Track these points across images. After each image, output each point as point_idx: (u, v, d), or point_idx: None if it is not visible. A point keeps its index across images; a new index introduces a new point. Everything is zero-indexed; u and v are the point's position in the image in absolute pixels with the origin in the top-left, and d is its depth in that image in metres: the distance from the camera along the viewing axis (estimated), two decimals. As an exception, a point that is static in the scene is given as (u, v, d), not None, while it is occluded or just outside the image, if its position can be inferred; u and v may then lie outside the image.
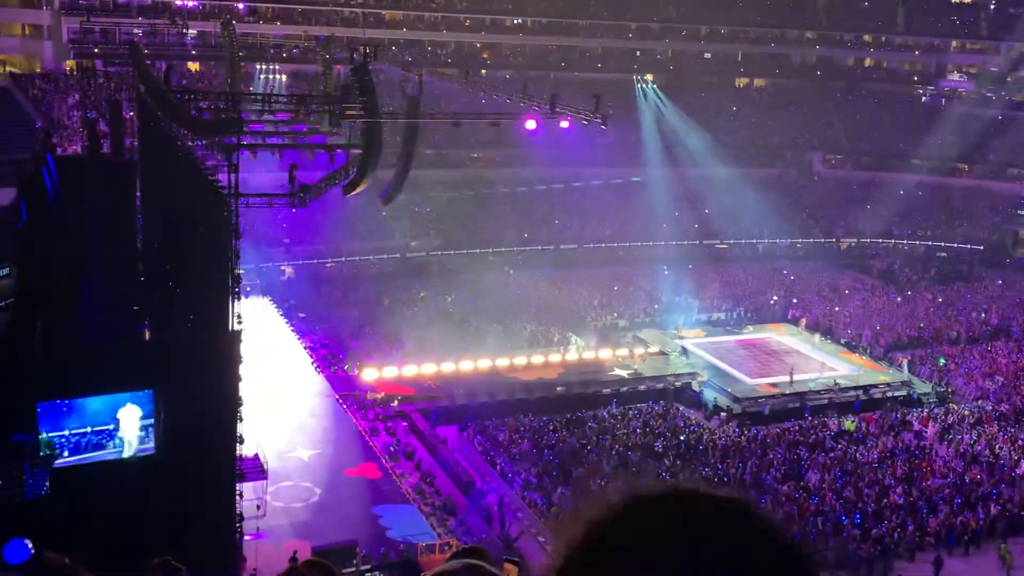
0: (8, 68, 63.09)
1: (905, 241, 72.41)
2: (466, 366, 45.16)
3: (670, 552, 1.47)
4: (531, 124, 38.42)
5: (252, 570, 26.86)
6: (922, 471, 37.19)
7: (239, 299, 24.98)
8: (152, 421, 22.85)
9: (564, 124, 38.45)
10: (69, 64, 64.39)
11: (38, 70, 64.32)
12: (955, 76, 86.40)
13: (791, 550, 1.55)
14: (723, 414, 43.18)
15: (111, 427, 22.53)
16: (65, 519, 21.24)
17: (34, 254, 30.03)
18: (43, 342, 26.08)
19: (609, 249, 65.94)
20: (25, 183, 35.21)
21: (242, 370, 24.47)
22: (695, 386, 45.90)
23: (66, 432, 22.00)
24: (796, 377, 46.39)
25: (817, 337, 52.21)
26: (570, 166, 68.05)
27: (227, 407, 24.27)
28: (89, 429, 22.29)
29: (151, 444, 23.01)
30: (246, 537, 26.48)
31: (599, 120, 41.44)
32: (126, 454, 22.80)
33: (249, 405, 25.61)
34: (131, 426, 22.74)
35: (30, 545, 5.23)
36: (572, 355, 47.78)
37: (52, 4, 64.31)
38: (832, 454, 38.72)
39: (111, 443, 22.57)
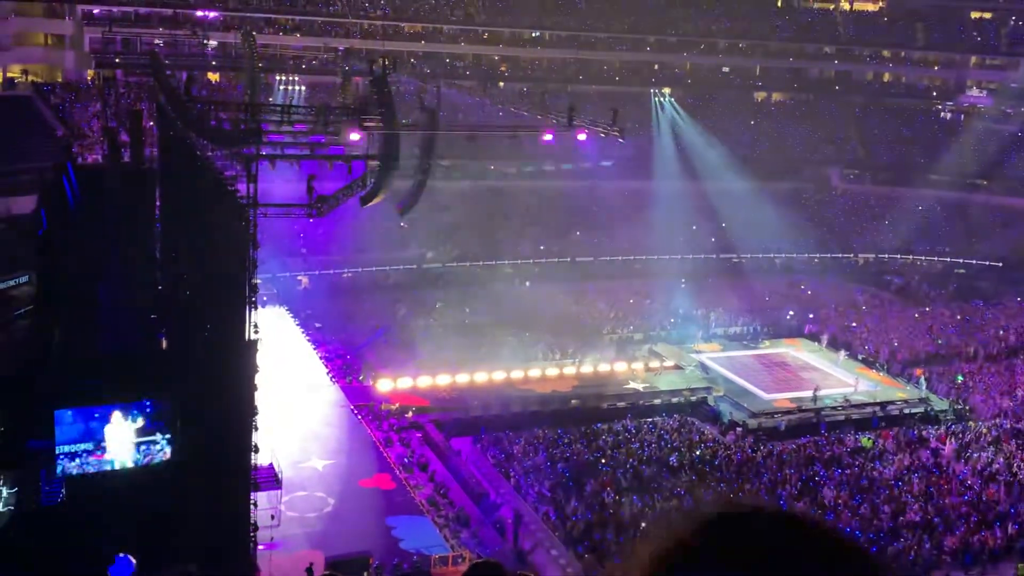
0: (30, 77, 63.69)
1: (923, 257, 71.97)
2: (481, 378, 45.13)
3: (758, 568, 1.49)
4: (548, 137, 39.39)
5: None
6: (939, 489, 36.91)
7: (256, 308, 25.07)
8: (150, 435, 22.63)
9: (581, 137, 38.78)
10: (90, 74, 64.96)
11: (60, 79, 64.94)
12: (974, 92, 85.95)
13: (875, 566, 1.58)
14: (739, 429, 42.96)
15: (92, 444, 22.06)
16: (81, 527, 21.32)
17: (54, 261, 30.33)
18: (61, 349, 26.26)
19: (626, 262, 65.71)
20: (46, 191, 35.61)
21: (258, 379, 24.57)
22: (711, 400, 45.75)
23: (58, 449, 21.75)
24: (820, 393, 45.85)
25: (842, 354, 51.66)
26: (587, 179, 68.12)
27: (243, 416, 24.34)
28: (81, 447, 22.02)
29: (145, 457, 22.70)
30: (260, 547, 26.49)
31: (616, 133, 41.53)
32: (118, 466, 22.46)
33: (264, 414, 25.66)
34: (121, 439, 22.38)
35: (134, 561, 5.30)
36: (587, 368, 47.70)
37: (75, 14, 64.91)
38: (848, 471, 38.48)
39: (93, 458, 22.15)
